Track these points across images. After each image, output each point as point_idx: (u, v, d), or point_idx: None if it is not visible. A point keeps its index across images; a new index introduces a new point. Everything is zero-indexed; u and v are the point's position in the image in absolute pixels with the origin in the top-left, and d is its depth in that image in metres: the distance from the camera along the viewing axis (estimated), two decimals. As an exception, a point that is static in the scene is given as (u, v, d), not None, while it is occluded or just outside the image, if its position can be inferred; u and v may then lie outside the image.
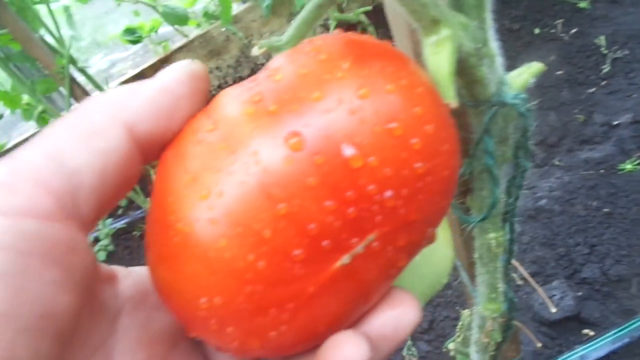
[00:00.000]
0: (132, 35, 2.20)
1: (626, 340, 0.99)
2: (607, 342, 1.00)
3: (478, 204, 0.40)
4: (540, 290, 0.92)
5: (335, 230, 0.19)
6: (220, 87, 2.28)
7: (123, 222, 1.95)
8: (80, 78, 1.77)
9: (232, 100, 0.22)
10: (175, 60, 2.05)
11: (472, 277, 0.52)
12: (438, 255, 0.44)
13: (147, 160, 0.23)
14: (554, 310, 1.00)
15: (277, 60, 0.23)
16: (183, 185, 0.20)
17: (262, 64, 2.27)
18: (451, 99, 0.25)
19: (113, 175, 0.21)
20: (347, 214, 0.19)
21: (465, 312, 0.81)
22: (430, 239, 0.25)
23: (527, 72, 0.36)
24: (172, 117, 0.23)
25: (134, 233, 1.92)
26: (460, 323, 0.83)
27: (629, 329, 1.00)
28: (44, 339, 0.18)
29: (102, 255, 1.83)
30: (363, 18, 1.80)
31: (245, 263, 0.19)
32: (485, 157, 0.35)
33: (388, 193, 0.20)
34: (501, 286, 0.49)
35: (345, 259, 0.20)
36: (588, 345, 1.01)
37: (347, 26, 1.83)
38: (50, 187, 0.20)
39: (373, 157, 0.19)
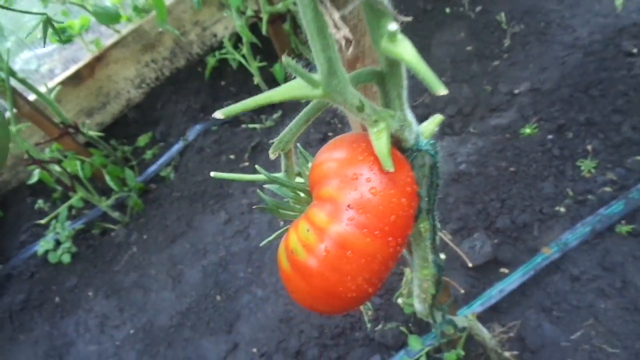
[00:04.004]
0: (63, 35, 2.20)
1: (532, 273, 1.25)
2: (518, 277, 1.25)
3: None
4: (458, 250, 1.15)
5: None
6: (157, 79, 2.34)
7: (81, 222, 2.02)
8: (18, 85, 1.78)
9: None
10: (111, 58, 2.10)
11: (410, 252, 0.71)
12: None
13: None
14: (470, 265, 1.24)
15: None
16: None
17: (198, 54, 2.35)
18: (390, 168, 0.43)
19: None
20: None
21: (407, 270, 1.02)
22: None
23: (433, 123, 0.54)
24: None
25: (94, 232, 2.00)
26: (404, 279, 1.04)
27: (533, 264, 1.26)
28: None
29: (66, 258, 1.91)
30: (293, 7, 1.93)
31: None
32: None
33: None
34: (431, 257, 0.69)
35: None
36: (504, 280, 1.26)
37: (278, 16, 1.95)
38: None
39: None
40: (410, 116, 0.49)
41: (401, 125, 0.47)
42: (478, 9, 1.98)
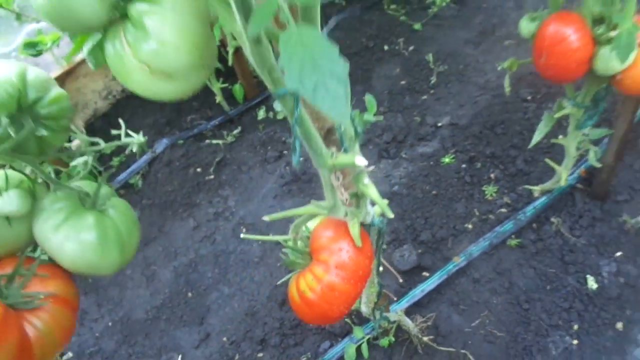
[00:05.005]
0: (34, 49, 2.34)
1: (445, 276, 1.64)
2: (435, 279, 1.64)
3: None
4: (387, 264, 1.51)
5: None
6: (123, 91, 2.53)
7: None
8: None
9: None
10: (80, 72, 2.30)
11: (362, 276, 1.05)
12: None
13: None
14: (401, 280, 1.61)
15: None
16: None
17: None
18: (359, 245, 0.76)
19: None
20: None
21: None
22: None
23: (379, 209, 0.87)
24: None
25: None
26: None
27: (447, 269, 1.65)
28: None
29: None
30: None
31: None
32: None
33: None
34: (376, 280, 1.03)
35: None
36: (425, 282, 1.64)
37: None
38: None
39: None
40: (370, 209, 0.82)
41: (365, 215, 0.80)
42: (411, 48, 2.34)
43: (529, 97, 2.01)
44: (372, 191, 0.69)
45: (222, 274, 1.96)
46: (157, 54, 0.48)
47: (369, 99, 0.75)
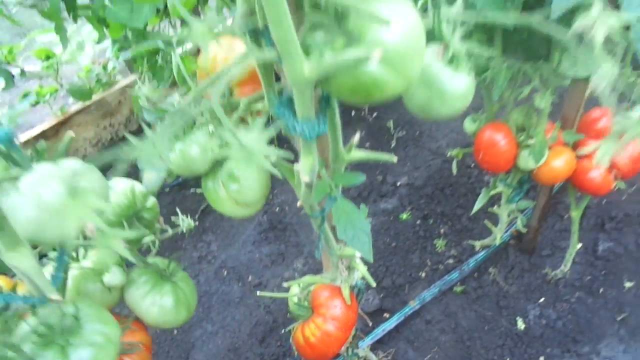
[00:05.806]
0: (31, 99, 2.54)
1: (403, 318, 1.95)
2: (394, 320, 1.94)
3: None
4: (362, 313, 1.81)
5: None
6: (112, 140, 2.75)
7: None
8: None
9: None
10: (74, 122, 2.52)
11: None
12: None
13: None
14: (370, 324, 1.91)
15: None
16: None
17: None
18: (349, 302, 1.06)
19: None
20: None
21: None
22: None
23: (361, 275, 1.17)
24: None
25: (56, 272, 2.37)
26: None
27: (404, 312, 1.96)
28: None
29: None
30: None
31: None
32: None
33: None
34: (353, 325, 1.32)
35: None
36: (386, 322, 1.94)
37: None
38: None
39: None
40: (356, 274, 1.12)
41: (352, 279, 1.10)
42: (374, 114, 2.70)
43: (472, 165, 2.39)
44: (362, 268, 1.00)
45: (205, 312, 2.19)
46: (240, 192, 0.77)
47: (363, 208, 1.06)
